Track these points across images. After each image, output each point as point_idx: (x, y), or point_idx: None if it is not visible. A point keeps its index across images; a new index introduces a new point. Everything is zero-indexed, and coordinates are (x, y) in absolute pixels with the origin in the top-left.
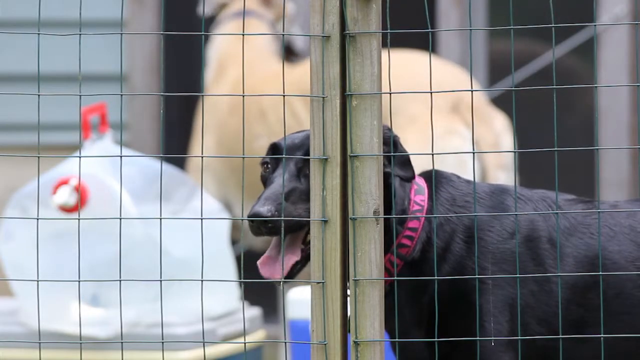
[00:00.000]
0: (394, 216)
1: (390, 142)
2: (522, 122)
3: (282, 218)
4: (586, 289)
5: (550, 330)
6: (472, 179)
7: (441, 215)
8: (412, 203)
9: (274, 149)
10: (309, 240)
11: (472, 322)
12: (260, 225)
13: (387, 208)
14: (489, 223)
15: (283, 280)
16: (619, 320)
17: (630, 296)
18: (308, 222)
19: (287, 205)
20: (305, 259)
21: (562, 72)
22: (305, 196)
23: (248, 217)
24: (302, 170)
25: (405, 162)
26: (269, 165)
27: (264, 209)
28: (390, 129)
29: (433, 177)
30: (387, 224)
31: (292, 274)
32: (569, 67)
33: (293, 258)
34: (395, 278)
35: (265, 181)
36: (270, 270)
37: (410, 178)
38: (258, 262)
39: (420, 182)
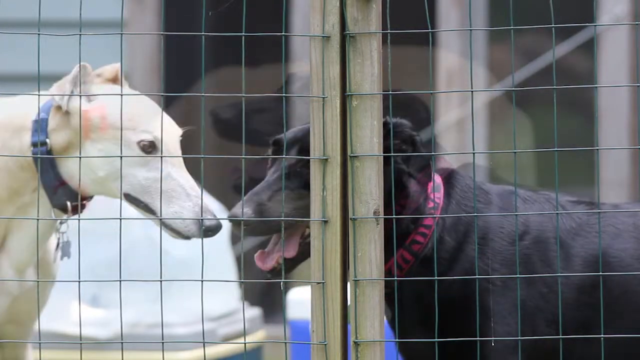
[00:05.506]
0: (394, 216)
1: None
2: (535, 120)
3: (282, 218)
4: (593, 288)
5: (560, 332)
6: (480, 181)
7: (452, 215)
8: (428, 201)
9: (275, 143)
10: (308, 234)
11: (482, 324)
12: (235, 227)
13: (401, 206)
14: (500, 224)
15: (283, 280)
16: (626, 318)
17: (636, 293)
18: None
19: (273, 205)
20: (303, 254)
21: (572, 72)
22: (294, 194)
23: (228, 217)
24: (293, 168)
25: (423, 162)
26: (269, 161)
27: (239, 211)
28: (412, 128)
29: (433, 179)
30: (402, 221)
31: (287, 269)
32: (581, 67)
33: (288, 253)
34: (396, 278)
35: None
36: (262, 261)
37: (426, 179)
38: (255, 255)
39: (436, 179)
